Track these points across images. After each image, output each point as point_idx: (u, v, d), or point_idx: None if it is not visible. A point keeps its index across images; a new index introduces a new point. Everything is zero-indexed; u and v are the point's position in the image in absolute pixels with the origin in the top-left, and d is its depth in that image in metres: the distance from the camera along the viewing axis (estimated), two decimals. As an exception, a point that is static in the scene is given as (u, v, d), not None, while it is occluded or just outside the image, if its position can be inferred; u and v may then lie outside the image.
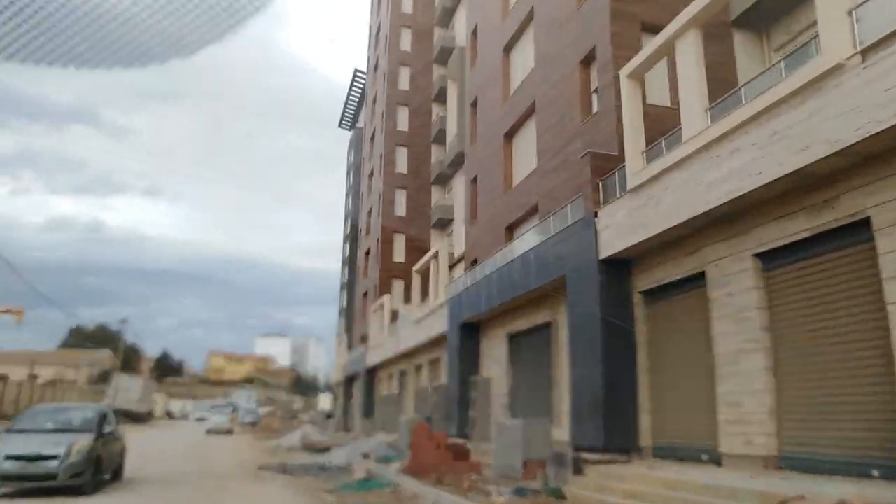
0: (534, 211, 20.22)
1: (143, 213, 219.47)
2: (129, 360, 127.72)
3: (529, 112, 21.74)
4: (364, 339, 49.39)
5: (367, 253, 52.39)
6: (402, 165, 48.10)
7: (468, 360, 22.90)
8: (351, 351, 54.63)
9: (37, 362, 72.26)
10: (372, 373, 44.87)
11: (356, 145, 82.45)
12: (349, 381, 53.40)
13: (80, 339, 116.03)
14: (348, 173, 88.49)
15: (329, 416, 74.76)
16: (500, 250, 20.59)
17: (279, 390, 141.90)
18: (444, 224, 45.10)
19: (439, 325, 26.62)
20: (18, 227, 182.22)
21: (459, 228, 37.98)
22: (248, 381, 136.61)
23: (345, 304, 79.95)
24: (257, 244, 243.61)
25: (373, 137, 54.30)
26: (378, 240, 47.18)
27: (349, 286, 76.89)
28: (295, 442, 31.31)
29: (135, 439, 32.18)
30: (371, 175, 53.33)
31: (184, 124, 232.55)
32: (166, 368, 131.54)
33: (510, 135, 23.73)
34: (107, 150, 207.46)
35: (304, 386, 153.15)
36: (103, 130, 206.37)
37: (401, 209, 47.48)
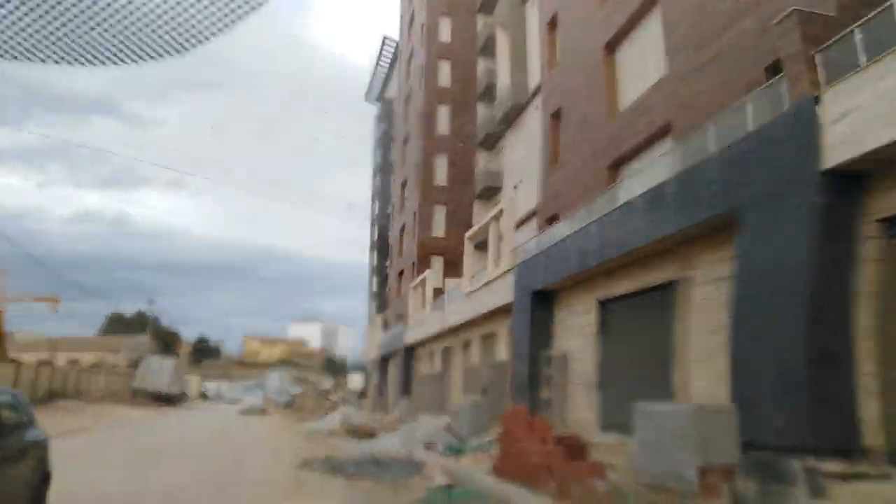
0: (662, 133, 15.99)
1: (168, 205, 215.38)
2: (169, 343, 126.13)
3: (649, 3, 17.49)
4: (401, 317, 45.60)
5: (402, 229, 48.41)
6: (443, 126, 43.70)
7: (540, 333, 18.86)
8: (387, 330, 50.83)
9: (78, 348, 69.81)
10: (411, 351, 40.96)
11: (385, 118, 78.49)
12: (385, 360, 49.66)
13: (119, 326, 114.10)
14: (374, 150, 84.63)
15: (361, 395, 71.38)
16: (600, 196, 16.30)
17: (311, 371, 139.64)
18: (491, 193, 41.00)
19: (499, 296, 22.64)
20: (47, 219, 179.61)
21: (512, 194, 33.85)
22: (282, 363, 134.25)
23: (375, 287, 76.57)
24: (285, 236, 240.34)
25: (408, 99, 49.77)
26: (415, 213, 43.17)
27: (379, 269, 73.36)
28: (334, 425, 27.58)
29: (162, 424, 28.65)
30: (406, 141, 49.16)
31: (208, 117, 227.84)
32: (204, 351, 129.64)
33: (614, 44, 19.46)
34: (131, 142, 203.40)
35: (334, 367, 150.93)
36: (128, 123, 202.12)
37: (441, 177, 43.32)
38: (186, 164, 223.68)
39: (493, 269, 24.35)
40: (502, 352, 23.21)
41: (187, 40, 2.61)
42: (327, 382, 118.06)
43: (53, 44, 2.49)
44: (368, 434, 23.15)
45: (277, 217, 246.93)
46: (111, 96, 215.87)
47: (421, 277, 37.73)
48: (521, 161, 32.94)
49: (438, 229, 42.35)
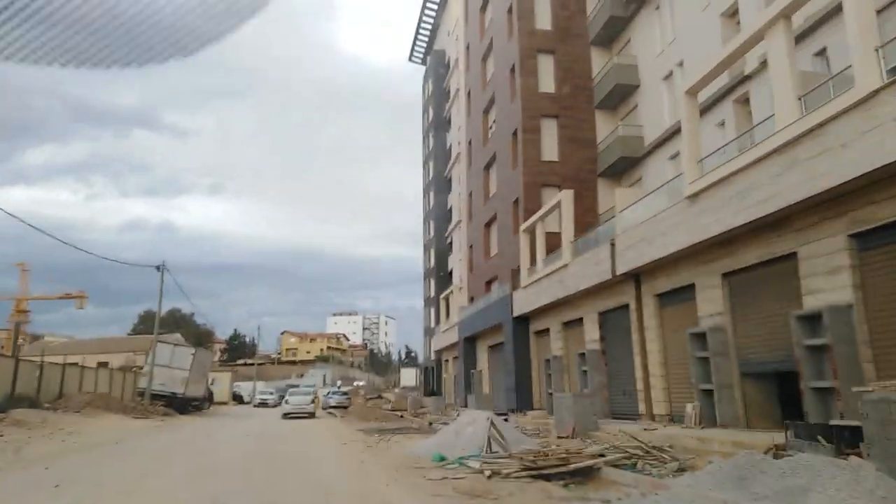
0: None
1: (210, 211, 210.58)
2: (201, 341, 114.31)
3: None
4: (489, 284, 32.54)
5: (489, 164, 35.02)
6: (542, 19, 30.40)
7: None
8: (464, 310, 37.57)
9: (108, 349, 58.41)
10: (524, 324, 27.66)
11: (435, 72, 65.59)
12: (470, 342, 36.33)
13: (151, 324, 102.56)
14: (424, 112, 71.80)
15: (424, 391, 58.74)
16: None
17: (353, 368, 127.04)
18: (617, 100, 27.62)
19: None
20: (96, 230, 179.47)
21: (651, 99, 20.72)
22: (323, 359, 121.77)
23: (432, 262, 63.46)
24: (320, 234, 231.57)
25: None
26: (516, 132, 29.81)
27: (437, 240, 60.51)
28: (457, 443, 14.46)
29: (150, 448, 15.72)
30: (488, 53, 35.81)
31: (242, 122, 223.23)
32: (238, 349, 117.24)
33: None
34: (171, 152, 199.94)
35: (377, 363, 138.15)
36: (166, 133, 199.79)
37: (547, 83, 29.93)
38: (224, 170, 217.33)
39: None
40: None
41: (198, 38, 2.51)
42: (377, 379, 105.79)
43: (73, 48, 2.43)
44: (564, 463, 10.01)
45: (311, 216, 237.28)
46: (150, 109, 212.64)
47: (548, 209, 24.42)
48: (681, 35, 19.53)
49: (550, 152, 28.95)
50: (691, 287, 15.44)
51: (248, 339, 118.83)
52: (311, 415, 34.93)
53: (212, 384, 42.16)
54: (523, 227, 26.30)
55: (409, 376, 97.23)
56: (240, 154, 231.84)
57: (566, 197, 22.76)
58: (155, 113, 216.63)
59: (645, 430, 15.03)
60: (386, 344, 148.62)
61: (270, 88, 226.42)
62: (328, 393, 46.03)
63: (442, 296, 59.09)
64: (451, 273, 59.84)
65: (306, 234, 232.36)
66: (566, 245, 21.95)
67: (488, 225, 34.69)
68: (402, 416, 32.94)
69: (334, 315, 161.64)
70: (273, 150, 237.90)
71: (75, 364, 30.87)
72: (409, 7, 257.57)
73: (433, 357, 61.58)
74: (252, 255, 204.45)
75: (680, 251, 15.04)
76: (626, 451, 12.87)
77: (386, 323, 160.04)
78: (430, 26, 66.84)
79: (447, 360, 44.61)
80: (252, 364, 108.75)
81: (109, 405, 27.44)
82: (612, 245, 18.29)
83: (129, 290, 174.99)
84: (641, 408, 18.38)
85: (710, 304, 14.68)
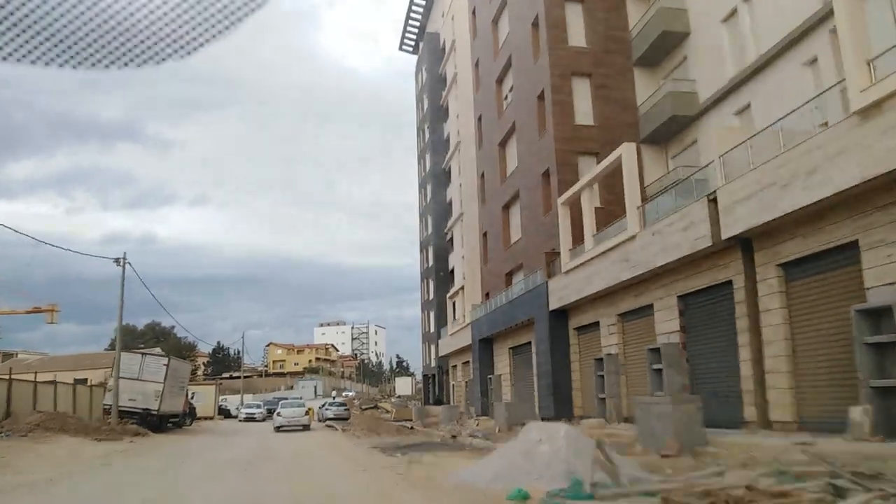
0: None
1: (192, 222, 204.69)
2: (182, 355, 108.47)
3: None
4: (512, 274, 28.15)
5: (506, 139, 30.62)
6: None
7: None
8: (477, 309, 33.08)
9: (84, 366, 53.58)
10: (562, 319, 23.15)
11: (428, 59, 61.45)
12: (486, 343, 31.77)
13: (129, 339, 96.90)
14: (418, 104, 67.45)
15: (424, 399, 54.42)
16: None
17: (344, 379, 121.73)
18: (661, 53, 23.50)
19: None
20: (77, 243, 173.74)
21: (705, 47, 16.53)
22: (312, 370, 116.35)
23: (430, 262, 59.16)
24: (305, 244, 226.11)
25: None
26: (542, 94, 25.42)
27: (434, 240, 56.20)
28: (529, 467, 9.94)
29: (87, 491, 10.03)
30: (503, 5, 31.33)
31: (226, 132, 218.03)
32: (222, 362, 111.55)
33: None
34: (154, 164, 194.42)
35: (368, 373, 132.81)
36: (149, 145, 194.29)
37: (577, 37, 25.60)
38: (208, 181, 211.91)
39: None
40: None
41: (188, 43, 2.47)
42: (370, 389, 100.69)
43: (56, 46, 2.38)
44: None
45: (297, 226, 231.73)
46: (133, 121, 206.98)
47: (604, 168, 20.00)
48: None
49: (584, 115, 24.58)
50: (850, 247, 11.00)
51: (232, 352, 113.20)
52: (306, 427, 30.65)
53: (192, 398, 37.13)
54: (562, 199, 21.80)
55: (404, 385, 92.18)
56: (224, 165, 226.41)
57: (628, 151, 18.33)
58: (138, 124, 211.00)
59: (797, 444, 10.54)
60: (376, 353, 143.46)
61: (254, 98, 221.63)
62: (324, 404, 41.14)
63: (448, 296, 54.49)
64: (452, 272, 55.27)
65: (291, 244, 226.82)
66: (632, 212, 17.48)
67: (507, 207, 30.18)
68: (412, 428, 28.26)
69: (322, 325, 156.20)
70: (258, 160, 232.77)
71: (27, 380, 25.78)
72: (394, 18, 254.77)
73: (433, 364, 56.87)
74: (236, 267, 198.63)
75: (839, 193, 10.59)
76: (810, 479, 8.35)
77: (376, 332, 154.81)
78: (421, 8, 62.56)
79: (454, 366, 39.98)
80: (238, 377, 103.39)
81: (66, 426, 22.43)
82: (713, 201, 13.81)
83: (109, 305, 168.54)
84: (748, 413, 13.92)
85: (889, 269, 10.23)
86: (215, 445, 21.95)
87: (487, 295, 33.27)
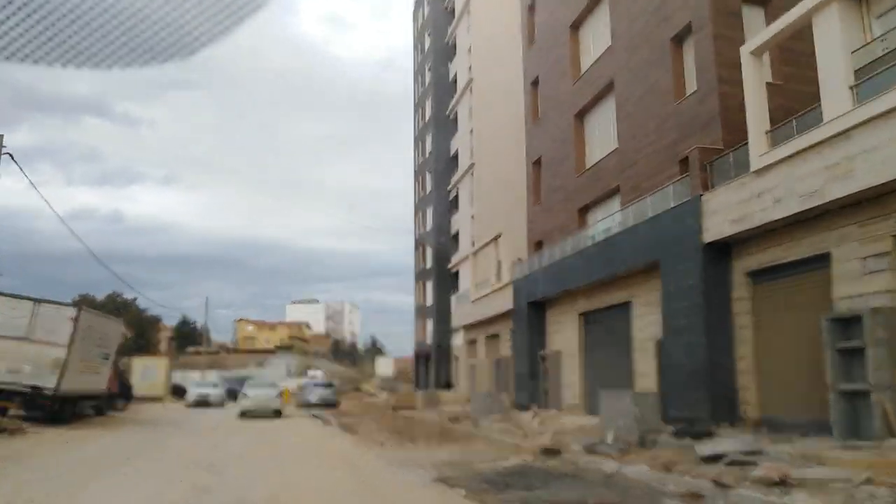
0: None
1: (162, 202, 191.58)
2: (145, 330, 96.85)
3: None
4: (587, 210, 18.88)
5: (583, 18, 21.00)
6: None
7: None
8: (523, 265, 23.58)
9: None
10: (721, 263, 13.40)
11: (434, 23, 51.92)
12: (538, 307, 22.18)
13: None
14: (416, 45, 57.57)
15: (416, 382, 45.55)
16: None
17: (318, 358, 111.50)
18: None
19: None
20: (41, 218, 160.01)
21: None
22: (286, 347, 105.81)
23: (427, 225, 50.07)
24: (276, 227, 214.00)
25: None
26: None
27: (435, 200, 46.97)
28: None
29: None
30: None
31: (199, 114, 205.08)
32: (188, 337, 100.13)
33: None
34: (123, 141, 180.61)
35: (342, 353, 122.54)
36: (119, 122, 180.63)
37: None
38: (178, 161, 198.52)
39: None
40: None
41: (185, 46, 2.45)
42: (348, 370, 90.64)
43: (45, 43, 2.33)
44: None
45: (269, 208, 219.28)
46: (103, 97, 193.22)
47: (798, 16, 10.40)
48: None
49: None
50: None
51: (199, 326, 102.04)
52: (278, 413, 23.41)
53: (128, 373, 27.13)
54: (755, 45, 12.25)
55: (385, 365, 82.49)
56: (196, 145, 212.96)
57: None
58: (107, 101, 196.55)
59: None
60: (351, 333, 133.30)
61: (229, 80, 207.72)
62: (305, 385, 31.30)
63: (451, 265, 44.92)
64: (456, 236, 45.79)
65: (264, 226, 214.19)
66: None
67: (584, 113, 20.74)
68: (451, 418, 18.75)
69: (294, 303, 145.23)
70: (231, 142, 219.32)
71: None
72: (373, 5, 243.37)
73: (430, 341, 47.41)
74: (207, 247, 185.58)
75: None
76: None
77: (350, 311, 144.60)
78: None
79: (472, 341, 30.52)
80: (201, 353, 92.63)
81: None
82: None
83: (73, 281, 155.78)
84: None
85: None
86: (133, 454, 12.11)
87: (539, 245, 23.84)
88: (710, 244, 13.27)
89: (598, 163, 19.93)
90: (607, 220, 18.61)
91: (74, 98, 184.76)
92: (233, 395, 30.79)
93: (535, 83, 25.03)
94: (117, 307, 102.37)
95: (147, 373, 34.80)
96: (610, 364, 18.33)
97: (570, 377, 20.07)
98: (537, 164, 24.77)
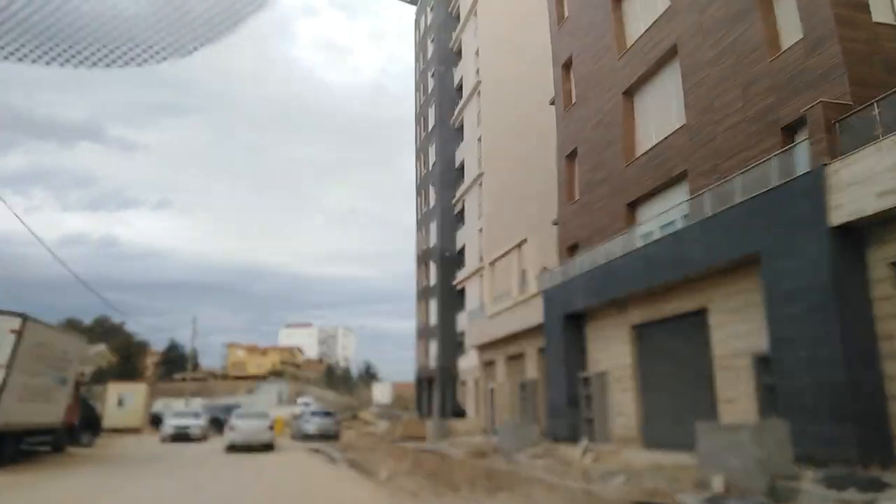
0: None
1: (156, 227, 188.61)
2: (132, 354, 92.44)
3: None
4: (638, 205, 15.70)
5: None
6: None
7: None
8: (555, 272, 20.46)
9: None
10: (856, 248, 10.05)
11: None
12: (575, 323, 18.83)
13: (75, 333, 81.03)
14: (419, 53, 54.93)
15: (420, 409, 42.19)
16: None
17: (310, 384, 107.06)
18: None
19: None
20: (34, 244, 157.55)
21: None
22: (276, 373, 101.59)
23: (431, 241, 47.12)
24: (270, 252, 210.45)
25: None
26: None
27: (440, 214, 44.01)
28: None
29: None
30: None
31: (192, 139, 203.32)
32: (175, 362, 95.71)
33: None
34: (117, 166, 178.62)
35: (336, 379, 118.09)
36: (112, 147, 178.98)
37: None
38: (172, 186, 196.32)
39: None
40: None
41: (177, 50, 2.47)
42: (343, 398, 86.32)
43: (41, 45, 2.36)
44: None
45: (262, 234, 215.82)
46: (96, 122, 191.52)
47: None
48: None
49: None
50: None
51: (188, 350, 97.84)
52: (269, 447, 21.06)
53: (87, 398, 23.54)
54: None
55: (383, 391, 78.58)
56: (189, 170, 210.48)
57: None
58: (101, 126, 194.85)
59: None
60: (345, 358, 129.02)
61: (222, 105, 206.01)
62: (302, 415, 27.67)
63: (457, 281, 41.64)
64: (461, 252, 42.62)
65: (257, 252, 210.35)
66: None
67: (634, 91, 17.75)
68: (475, 453, 15.40)
69: (288, 327, 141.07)
70: (224, 167, 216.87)
71: None
72: (368, 33, 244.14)
73: (433, 365, 43.89)
74: (200, 272, 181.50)
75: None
76: None
77: (344, 335, 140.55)
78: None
79: (490, 363, 27.14)
80: (186, 379, 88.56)
81: None
82: None
83: (71, 309, 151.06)
84: None
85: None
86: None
87: (573, 249, 20.68)
88: (841, 227, 10.12)
89: (655, 147, 16.85)
90: (669, 214, 15.47)
91: (69, 123, 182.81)
92: (218, 425, 27.19)
93: (568, 65, 22.06)
94: (105, 332, 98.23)
95: (123, 401, 31.10)
96: (677, 387, 15.05)
97: (622, 404, 16.75)
98: (571, 157, 21.70)
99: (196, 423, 25.43)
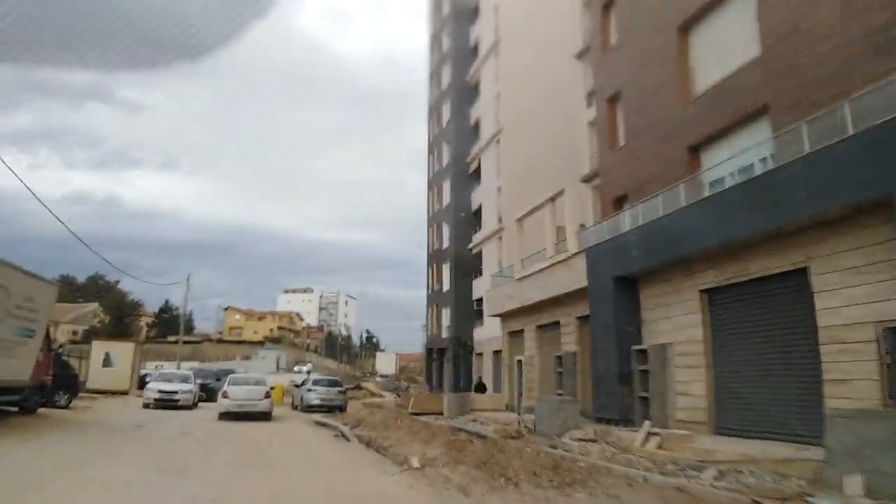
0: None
1: (159, 187, 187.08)
2: (124, 315, 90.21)
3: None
4: (706, 147, 12.78)
5: None
6: None
7: None
8: (599, 227, 17.70)
9: None
10: None
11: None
12: (626, 287, 16.08)
13: (69, 291, 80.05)
14: (435, 10, 51.63)
15: (429, 381, 40.08)
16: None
17: (309, 352, 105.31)
18: None
19: None
20: (36, 200, 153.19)
21: None
22: (274, 339, 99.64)
23: (444, 202, 44.25)
24: (273, 216, 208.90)
25: None
26: None
27: (453, 173, 40.80)
28: None
29: None
30: None
31: (200, 102, 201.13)
32: (169, 324, 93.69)
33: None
34: (123, 126, 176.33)
35: (336, 347, 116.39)
36: (119, 107, 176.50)
37: None
38: (177, 148, 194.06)
39: None
40: None
41: (192, 48, 2.46)
42: (344, 367, 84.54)
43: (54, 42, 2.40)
44: None
45: (265, 197, 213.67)
46: (103, 81, 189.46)
47: None
48: None
49: None
50: None
51: (183, 312, 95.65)
52: (266, 416, 19.40)
53: (65, 356, 21.17)
54: None
55: (386, 362, 76.62)
56: (195, 133, 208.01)
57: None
58: (109, 86, 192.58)
59: None
60: (346, 326, 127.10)
61: (230, 70, 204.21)
62: (304, 382, 25.27)
63: (473, 244, 39.16)
64: (476, 212, 40.05)
65: (259, 215, 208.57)
66: None
67: (690, 25, 15.09)
68: (511, 434, 13.06)
69: (287, 292, 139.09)
70: (230, 131, 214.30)
71: None
72: (373, 3, 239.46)
73: (445, 334, 41.60)
74: (201, 234, 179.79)
75: None
76: None
77: (346, 303, 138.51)
78: None
79: (515, 333, 24.73)
80: (185, 342, 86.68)
81: None
82: None
83: (73, 267, 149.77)
84: None
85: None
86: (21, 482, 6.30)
87: (620, 202, 18.11)
88: None
89: (719, 83, 14.24)
90: (746, 157, 12.88)
91: (76, 83, 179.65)
92: (210, 393, 24.80)
93: (608, 5, 19.30)
94: (98, 290, 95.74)
95: (109, 360, 28.80)
96: (762, 364, 12.57)
97: (688, 382, 14.31)
98: (612, 101, 19.02)
99: (185, 389, 22.31)
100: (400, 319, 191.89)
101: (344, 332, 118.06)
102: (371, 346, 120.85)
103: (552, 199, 21.22)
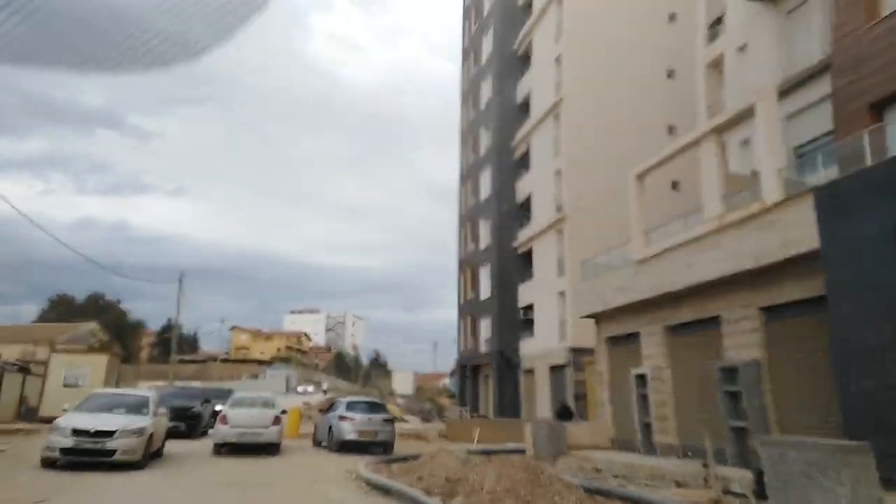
0: None
1: (167, 213, 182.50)
2: (125, 335, 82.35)
3: None
4: None
5: None
6: None
7: None
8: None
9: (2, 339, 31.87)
10: None
11: None
12: None
13: (63, 311, 73.14)
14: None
15: (463, 404, 32.69)
16: None
17: (318, 371, 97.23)
18: None
19: None
20: (48, 226, 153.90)
21: None
22: (283, 359, 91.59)
23: (480, 195, 36.88)
24: (279, 241, 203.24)
25: None
26: None
27: (497, 160, 33.48)
28: None
29: None
30: None
31: (209, 128, 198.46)
32: (170, 344, 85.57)
33: None
34: (133, 153, 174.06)
35: (345, 367, 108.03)
36: (129, 134, 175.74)
37: None
38: (186, 174, 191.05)
39: None
40: None
41: (188, 52, 2.34)
42: (354, 386, 76.49)
43: (58, 50, 2.25)
44: None
45: (273, 223, 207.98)
46: (114, 109, 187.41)
47: None
48: None
49: None
50: None
51: (186, 332, 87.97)
52: (272, 447, 14.07)
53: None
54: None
55: (404, 382, 68.58)
56: (204, 159, 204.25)
57: None
58: (119, 114, 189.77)
59: None
60: (354, 346, 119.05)
61: (239, 97, 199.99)
62: (330, 408, 16.94)
63: (521, 241, 31.82)
64: (523, 204, 32.75)
65: (267, 241, 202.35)
66: None
67: None
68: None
69: (293, 313, 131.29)
70: (238, 157, 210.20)
71: None
72: (384, 28, 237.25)
73: (486, 349, 34.00)
74: (209, 259, 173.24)
75: None
76: None
77: (353, 324, 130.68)
78: None
79: (618, 339, 17.14)
80: (188, 361, 78.78)
81: None
82: None
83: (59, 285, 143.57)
84: None
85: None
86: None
87: (880, 106, 10.68)
88: None
89: None
90: None
91: (87, 109, 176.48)
92: (192, 423, 16.80)
93: None
94: (99, 309, 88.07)
95: (72, 380, 21.21)
96: None
97: None
98: None
99: (131, 426, 11.05)
100: (407, 341, 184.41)
101: (351, 353, 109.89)
102: (380, 365, 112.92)
103: (696, 142, 13.82)
